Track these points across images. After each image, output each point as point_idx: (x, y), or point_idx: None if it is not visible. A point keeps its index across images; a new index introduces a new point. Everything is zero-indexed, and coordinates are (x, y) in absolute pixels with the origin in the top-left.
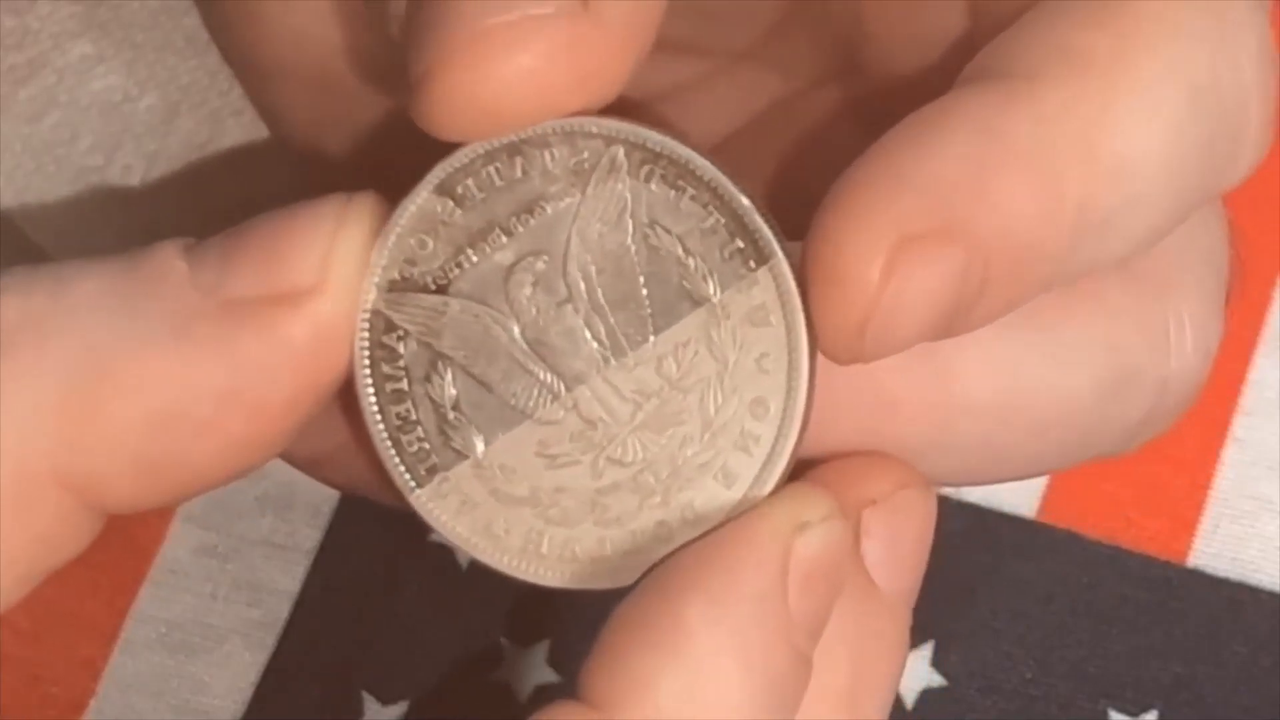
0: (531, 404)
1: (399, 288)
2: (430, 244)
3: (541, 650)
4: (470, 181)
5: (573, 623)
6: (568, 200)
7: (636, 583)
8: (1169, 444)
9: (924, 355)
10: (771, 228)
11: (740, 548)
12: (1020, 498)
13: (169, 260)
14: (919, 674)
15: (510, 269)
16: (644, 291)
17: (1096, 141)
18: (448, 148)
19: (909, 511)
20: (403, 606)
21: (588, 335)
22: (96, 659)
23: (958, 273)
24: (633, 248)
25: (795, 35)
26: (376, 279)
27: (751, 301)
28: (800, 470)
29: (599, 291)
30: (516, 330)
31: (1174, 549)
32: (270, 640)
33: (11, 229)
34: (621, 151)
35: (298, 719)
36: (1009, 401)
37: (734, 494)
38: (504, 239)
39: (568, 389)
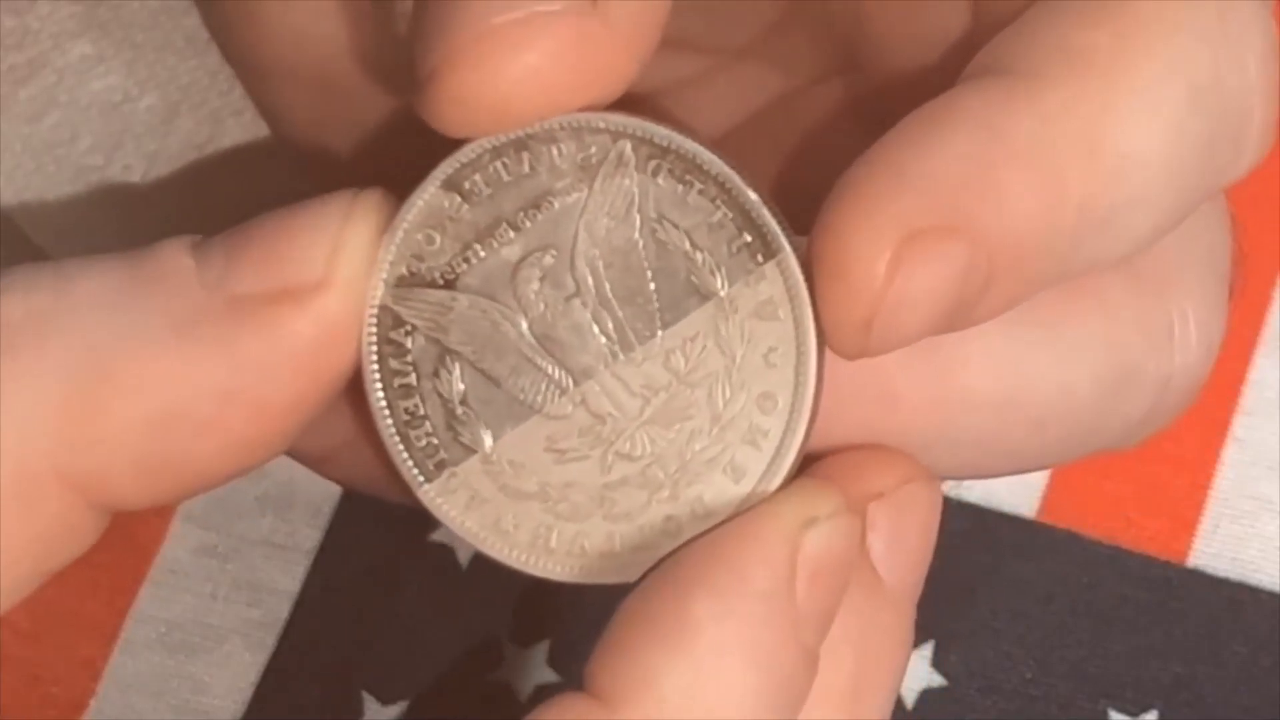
0: (540, 399)
1: (407, 283)
2: (438, 239)
3: (542, 650)
4: (477, 177)
5: (573, 622)
6: (575, 195)
7: (643, 578)
8: (1169, 444)
9: (926, 350)
10: (779, 222)
11: (748, 543)
12: (1020, 498)
13: (174, 258)
14: (919, 674)
15: (518, 264)
16: (652, 286)
17: (1097, 140)
18: (452, 146)
19: (914, 506)
20: (403, 606)
21: (595, 330)
22: (96, 659)
23: (962, 268)
24: (640, 242)
25: (795, 32)
26: (384, 275)
27: (759, 296)
28: (804, 464)
29: (607, 286)
30: (524, 325)
31: (1174, 549)
32: (270, 640)
33: (11, 229)
34: (629, 146)
35: (298, 719)
36: (1010, 397)
37: (742, 489)
38: (511, 234)
39: (576, 384)
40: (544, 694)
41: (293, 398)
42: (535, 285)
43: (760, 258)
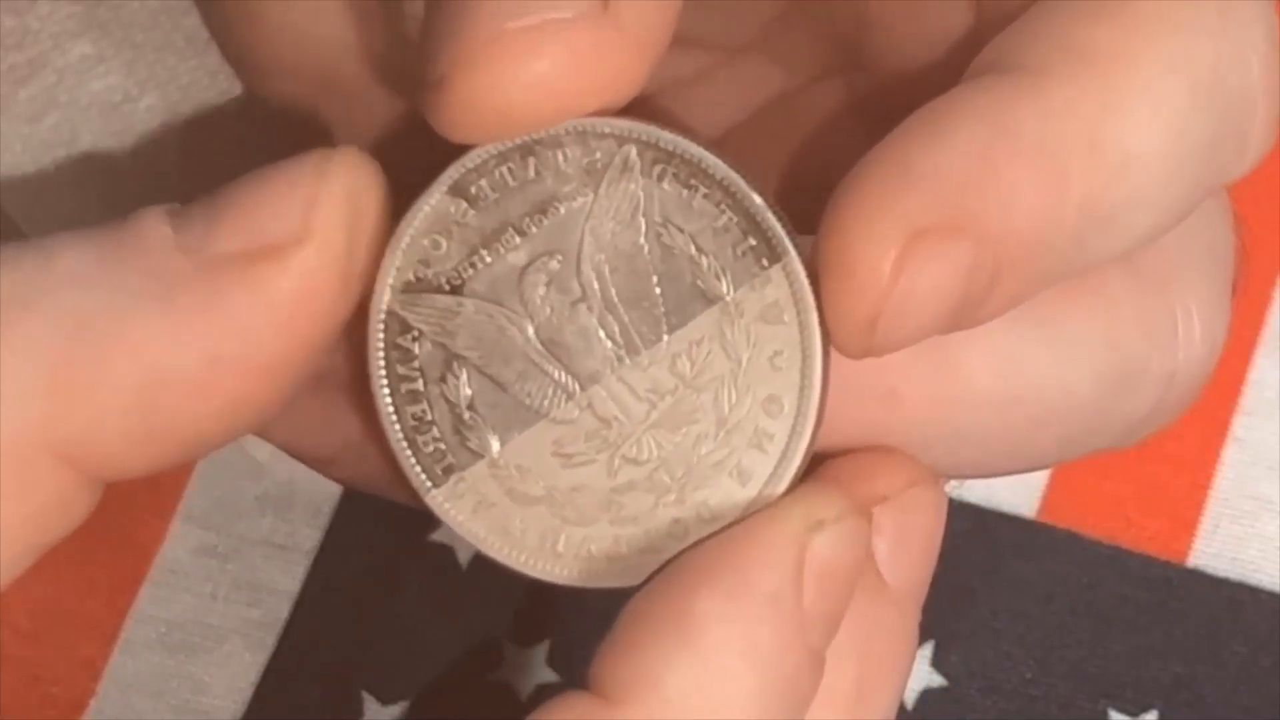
0: (546, 403)
1: (413, 289)
2: (444, 245)
3: (542, 650)
4: (483, 182)
5: (574, 623)
6: (581, 200)
7: (649, 580)
8: (1169, 444)
9: (928, 349)
10: (784, 225)
11: (755, 546)
12: (1020, 498)
13: (153, 225)
14: (919, 674)
15: (524, 269)
16: (657, 290)
17: (1100, 137)
18: (454, 148)
19: (919, 508)
20: (403, 606)
21: (602, 334)
22: (96, 659)
23: (967, 266)
24: (646, 247)
25: (797, 30)
26: (391, 280)
27: (764, 299)
28: (810, 465)
29: (612, 291)
30: (531, 330)
31: (1174, 549)
32: (270, 640)
33: (11, 228)
34: (634, 151)
35: (298, 719)
36: (1012, 395)
37: (749, 492)
38: (518, 239)
39: (582, 388)
40: (544, 694)
41: (279, 355)
42: (541, 290)
43: (765, 262)
